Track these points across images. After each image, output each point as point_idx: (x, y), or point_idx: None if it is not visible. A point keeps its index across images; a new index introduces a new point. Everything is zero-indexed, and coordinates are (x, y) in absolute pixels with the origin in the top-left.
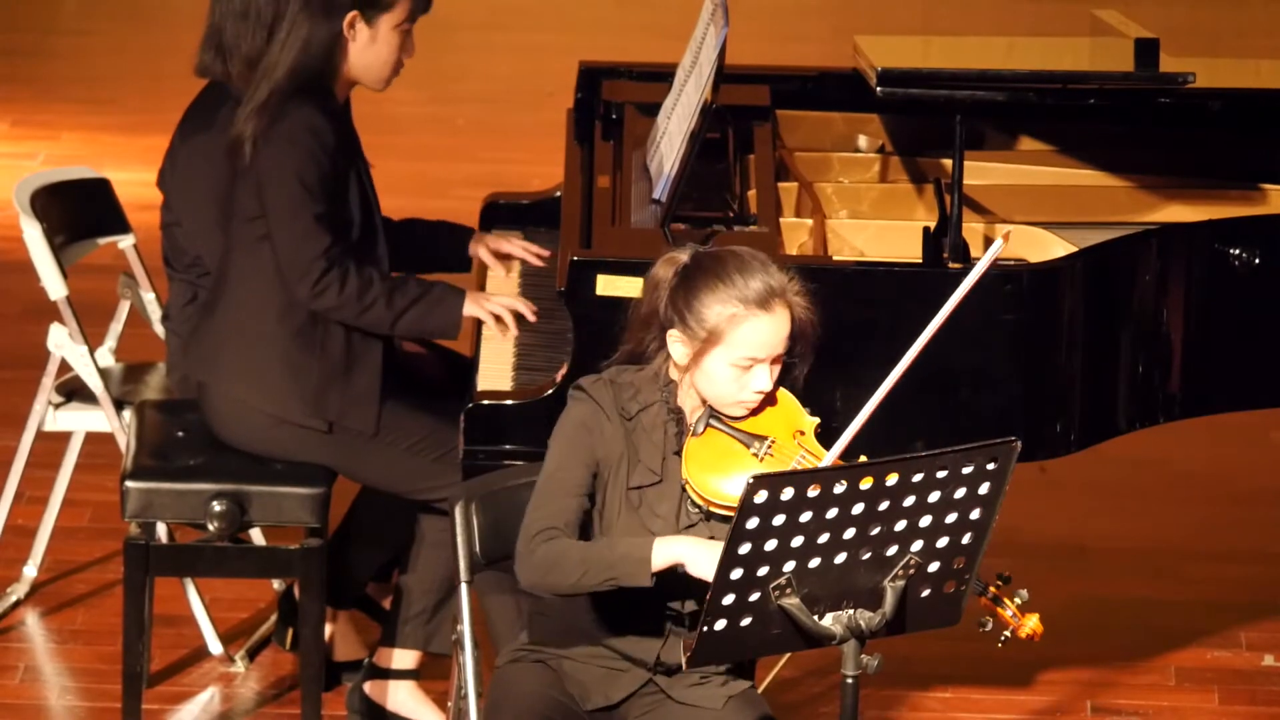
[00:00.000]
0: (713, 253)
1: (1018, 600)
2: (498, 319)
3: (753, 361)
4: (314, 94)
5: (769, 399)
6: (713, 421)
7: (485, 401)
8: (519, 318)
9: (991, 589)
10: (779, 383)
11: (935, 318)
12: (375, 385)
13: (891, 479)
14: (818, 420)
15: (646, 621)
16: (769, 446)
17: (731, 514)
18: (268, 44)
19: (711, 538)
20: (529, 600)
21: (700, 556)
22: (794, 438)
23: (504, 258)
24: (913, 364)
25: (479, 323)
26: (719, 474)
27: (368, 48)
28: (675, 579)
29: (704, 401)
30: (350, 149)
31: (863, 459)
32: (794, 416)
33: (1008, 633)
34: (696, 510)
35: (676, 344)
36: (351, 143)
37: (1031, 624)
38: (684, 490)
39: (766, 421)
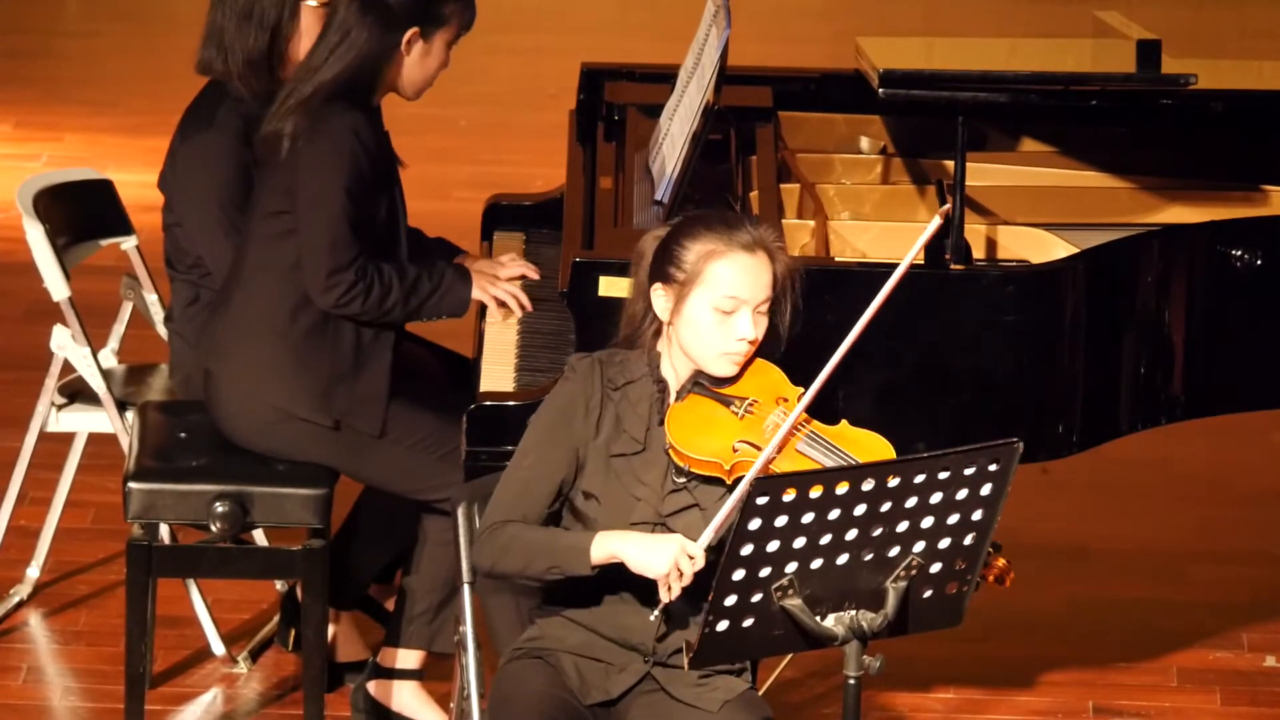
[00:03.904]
0: (696, 212)
1: (989, 549)
2: (501, 304)
3: (735, 302)
4: (356, 99)
5: (755, 368)
6: (695, 388)
7: (488, 403)
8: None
9: None
10: (766, 352)
11: (883, 287)
12: (383, 387)
13: (893, 480)
14: (802, 389)
15: (639, 605)
16: (749, 405)
17: (711, 472)
18: (270, 45)
19: (695, 505)
20: (530, 599)
21: (636, 555)
22: (776, 403)
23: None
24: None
25: (481, 323)
26: (699, 432)
27: (419, 62)
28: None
29: (691, 372)
30: (386, 153)
31: (843, 423)
32: (779, 385)
33: (979, 579)
34: (681, 477)
35: (659, 297)
36: (386, 146)
37: (999, 565)
38: (668, 455)
39: (751, 386)
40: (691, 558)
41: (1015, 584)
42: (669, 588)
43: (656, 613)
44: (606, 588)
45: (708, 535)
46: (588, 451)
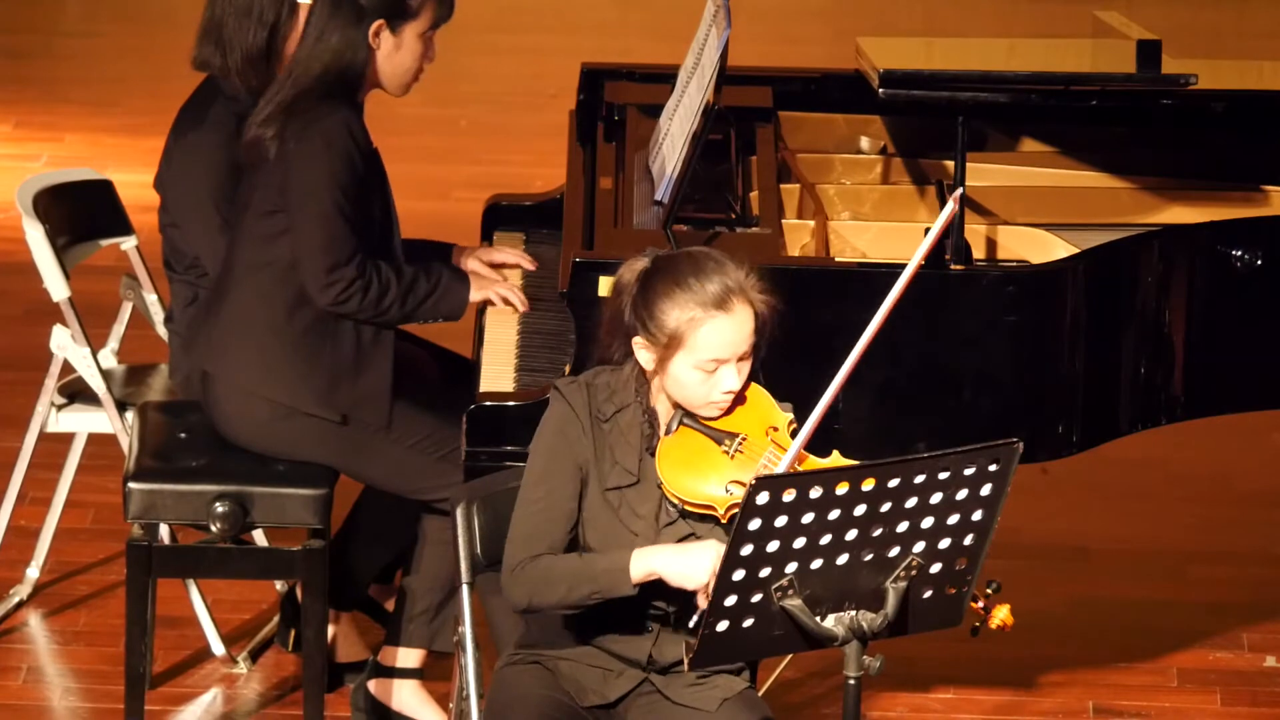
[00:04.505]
0: (669, 257)
1: (989, 590)
2: (503, 300)
3: (717, 363)
4: (344, 97)
5: (742, 397)
6: (685, 420)
7: (488, 403)
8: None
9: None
10: (751, 379)
11: (896, 284)
12: (386, 381)
13: (893, 480)
14: (791, 416)
15: (634, 621)
16: (740, 443)
17: (706, 512)
18: (269, 42)
19: (692, 534)
20: None
21: (675, 568)
22: (767, 434)
23: (498, 266)
24: (872, 343)
25: (480, 324)
26: (691, 472)
27: (392, 55)
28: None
29: (676, 404)
30: (373, 150)
31: (835, 454)
32: (767, 413)
33: (978, 623)
34: (674, 509)
35: (642, 350)
36: (371, 144)
37: (1002, 615)
38: (660, 490)
39: (740, 419)
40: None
41: (1015, 584)
42: (708, 595)
43: (695, 619)
44: (603, 607)
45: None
46: (588, 470)
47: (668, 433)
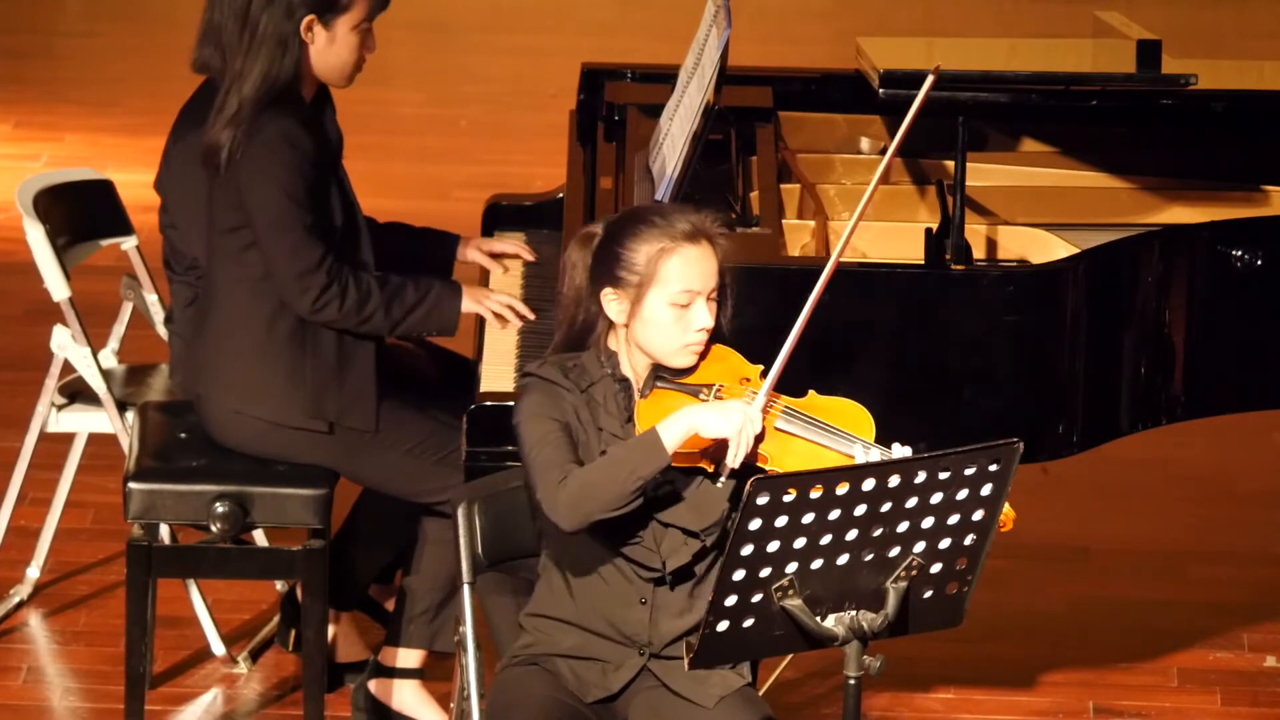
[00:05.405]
0: (626, 210)
1: None
2: (497, 316)
3: (690, 295)
4: (284, 101)
5: (711, 354)
6: (658, 383)
7: (488, 403)
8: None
9: None
10: (717, 337)
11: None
12: (370, 382)
13: (894, 480)
14: (761, 367)
15: (627, 593)
16: (717, 391)
17: (691, 465)
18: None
19: (673, 490)
20: (528, 599)
21: (709, 419)
22: (741, 383)
23: (498, 257)
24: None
25: (481, 324)
26: None
27: (326, 50)
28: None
29: (650, 367)
30: (326, 151)
31: (810, 393)
32: (738, 366)
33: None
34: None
35: (612, 302)
36: (327, 144)
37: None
38: None
39: (712, 372)
40: (752, 421)
41: (1015, 584)
42: (737, 451)
43: (723, 480)
44: (595, 581)
45: (760, 399)
46: (577, 432)
47: (641, 397)
